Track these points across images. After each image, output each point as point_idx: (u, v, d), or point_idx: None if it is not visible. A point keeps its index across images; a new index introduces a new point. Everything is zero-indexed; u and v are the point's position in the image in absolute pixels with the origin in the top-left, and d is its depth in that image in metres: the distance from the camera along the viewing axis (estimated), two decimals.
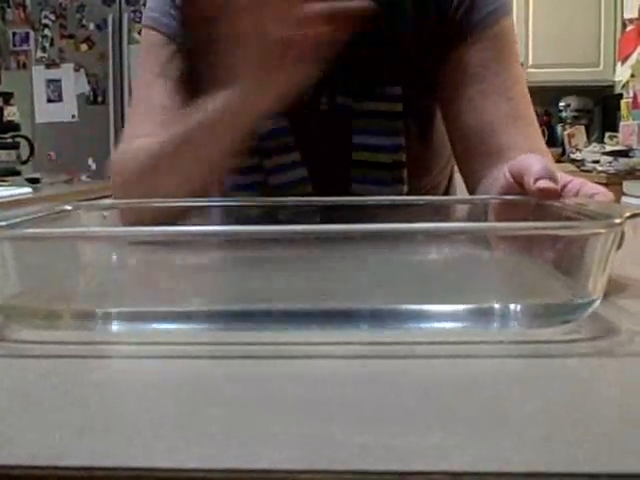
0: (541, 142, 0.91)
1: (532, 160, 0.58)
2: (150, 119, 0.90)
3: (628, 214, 0.43)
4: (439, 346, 0.42)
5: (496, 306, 0.45)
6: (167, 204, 0.72)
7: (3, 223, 0.48)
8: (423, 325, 0.44)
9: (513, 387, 0.35)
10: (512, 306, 0.45)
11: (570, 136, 4.10)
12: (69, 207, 0.60)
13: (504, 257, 0.53)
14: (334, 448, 0.27)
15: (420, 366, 0.38)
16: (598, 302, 0.44)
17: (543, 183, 0.55)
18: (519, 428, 0.29)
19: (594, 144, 3.91)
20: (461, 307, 0.44)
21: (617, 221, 0.42)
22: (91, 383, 0.37)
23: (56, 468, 0.27)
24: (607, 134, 3.99)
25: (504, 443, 0.28)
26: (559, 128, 4.27)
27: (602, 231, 0.42)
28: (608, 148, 3.68)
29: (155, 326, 0.45)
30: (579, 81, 4.11)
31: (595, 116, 4.34)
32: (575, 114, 4.25)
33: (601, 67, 4.12)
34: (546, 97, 4.08)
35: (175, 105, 0.90)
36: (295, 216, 0.69)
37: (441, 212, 0.70)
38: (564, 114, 4.28)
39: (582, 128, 4.16)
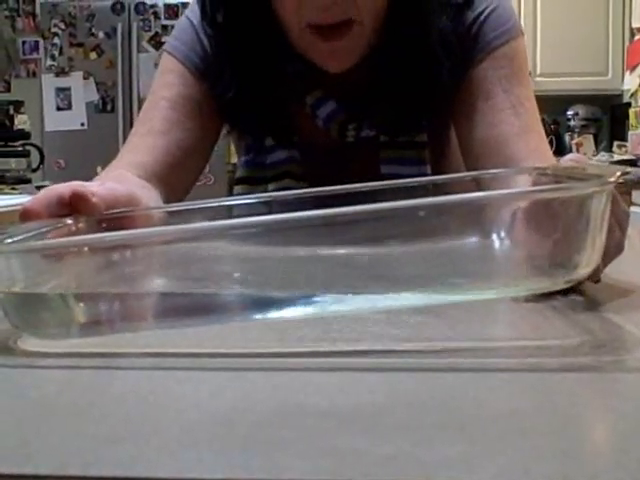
0: (550, 154, 0.92)
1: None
2: (144, 144, 0.93)
3: (619, 173, 0.43)
4: (456, 359, 0.42)
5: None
6: (171, 209, 0.72)
7: (10, 240, 0.49)
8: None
9: (532, 400, 0.35)
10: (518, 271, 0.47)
11: (578, 145, 4.10)
12: (69, 221, 0.60)
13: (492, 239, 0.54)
14: (359, 459, 0.28)
15: (440, 378, 0.38)
16: (597, 261, 0.45)
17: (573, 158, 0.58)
18: (539, 441, 0.30)
19: (602, 153, 3.91)
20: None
21: (610, 179, 0.43)
22: (112, 394, 0.37)
23: (85, 478, 0.27)
24: (615, 143, 3.99)
25: (525, 455, 0.28)
26: (567, 137, 4.27)
27: (596, 190, 0.43)
28: (616, 157, 3.68)
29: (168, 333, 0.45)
30: (587, 90, 4.11)
31: (603, 125, 4.34)
32: (583, 123, 4.25)
33: (609, 76, 4.12)
34: (554, 106, 4.08)
35: (172, 130, 0.93)
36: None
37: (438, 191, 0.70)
38: (572, 123, 4.28)
39: (590, 137, 4.16)
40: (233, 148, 1.19)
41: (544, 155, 0.89)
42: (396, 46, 0.89)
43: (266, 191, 0.97)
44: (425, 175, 0.95)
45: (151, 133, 0.93)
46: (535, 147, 0.90)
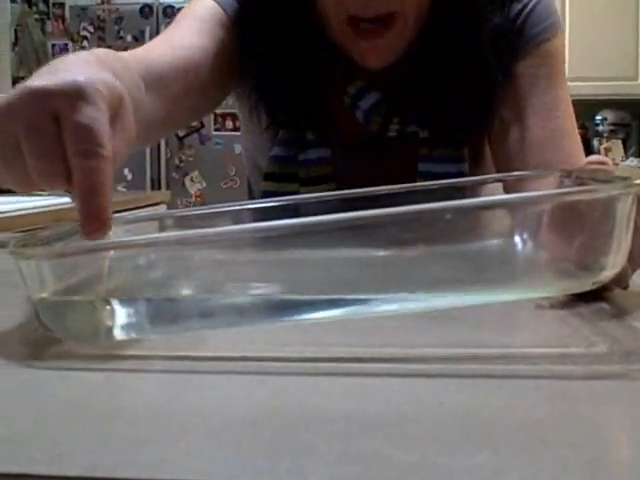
0: (583, 160, 0.90)
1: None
2: (158, 50, 0.82)
3: None
4: (480, 366, 0.42)
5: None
6: (196, 212, 0.72)
7: (39, 242, 0.49)
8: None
9: (557, 409, 0.35)
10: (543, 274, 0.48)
11: (607, 150, 4.07)
12: None
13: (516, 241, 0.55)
14: (382, 465, 0.28)
15: (464, 385, 0.38)
16: (623, 263, 0.45)
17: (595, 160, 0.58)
18: (564, 450, 0.30)
19: (631, 158, 3.88)
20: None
21: (636, 181, 0.43)
22: (141, 396, 0.38)
23: None
24: None
25: (550, 464, 0.28)
26: (595, 142, 4.24)
27: (622, 192, 0.43)
28: None
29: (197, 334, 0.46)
30: (616, 94, 4.08)
31: (632, 130, 4.30)
32: (612, 128, 4.21)
33: (639, 81, 4.08)
34: (583, 110, 4.04)
35: (191, 48, 0.84)
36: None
37: (461, 195, 0.69)
38: (601, 128, 4.25)
39: (619, 142, 4.12)
40: None
41: (578, 161, 0.87)
42: (444, 40, 0.87)
43: (297, 192, 0.94)
44: (463, 174, 0.93)
45: (168, 43, 0.84)
46: (569, 153, 0.88)
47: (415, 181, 0.92)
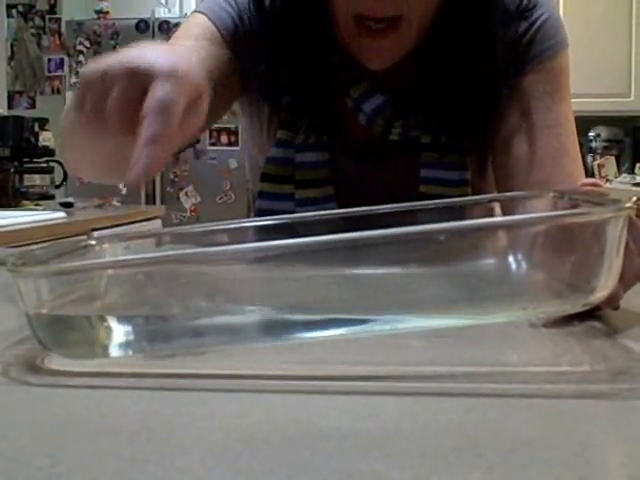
0: (583, 179, 0.91)
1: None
2: None
3: (635, 198, 0.44)
4: (472, 384, 0.42)
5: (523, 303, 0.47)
6: (194, 230, 0.72)
7: (36, 260, 0.50)
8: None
9: (548, 427, 0.35)
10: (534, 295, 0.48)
11: (600, 166, 4.08)
12: (93, 242, 0.61)
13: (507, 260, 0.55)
14: None
15: (457, 403, 0.39)
16: (614, 284, 0.45)
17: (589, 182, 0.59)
18: (555, 469, 0.30)
19: (624, 175, 3.89)
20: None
21: (627, 205, 0.43)
22: (138, 414, 0.38)
23: None
24: (638, 165, 3.96)
25: None
26: (589, 158, 4.25)
27: (613, 214, 0.44)
28: (639, 179, 3.66)
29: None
30: (609, 111, 4.09)
31: (625, 146, 4.32)
32: (605, 144, 4.23)
33: (632, 97, 4.10)
34: (576, 127, 4.07)
35: None
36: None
37: (457, 214, 0.70)
38: (594, 144, 4.26)
39: (612, 159, 4.14)
40: None
41: (577, 181, 0.88)
42: (450, 48, 0.88)
43: (292, 195, 0.95)
44: (466, 181, 0.93)
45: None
46: (569, 172, 0.89)
47: (417, 187, 0.93)
